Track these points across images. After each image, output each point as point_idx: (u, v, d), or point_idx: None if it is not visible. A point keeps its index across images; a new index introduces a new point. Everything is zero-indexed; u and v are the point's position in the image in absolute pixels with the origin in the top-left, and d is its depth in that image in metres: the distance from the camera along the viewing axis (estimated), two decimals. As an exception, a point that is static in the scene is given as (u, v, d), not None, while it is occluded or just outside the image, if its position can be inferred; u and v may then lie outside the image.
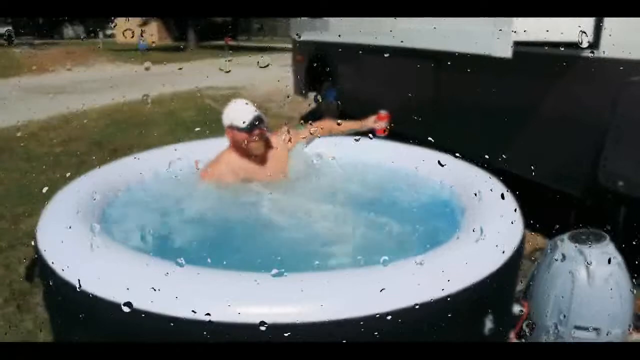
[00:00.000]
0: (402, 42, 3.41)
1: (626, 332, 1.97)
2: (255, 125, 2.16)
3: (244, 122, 2.16)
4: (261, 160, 2.30)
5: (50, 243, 1.43)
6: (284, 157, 2.39)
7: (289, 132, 2.46)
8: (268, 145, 2.31)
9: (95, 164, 2.10)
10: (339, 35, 4.63)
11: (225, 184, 2.20)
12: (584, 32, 2.42)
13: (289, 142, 2.44)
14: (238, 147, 2.24)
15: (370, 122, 2.69)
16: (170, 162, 2.24)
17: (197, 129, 5.68)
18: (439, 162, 2.10)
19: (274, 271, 1.19)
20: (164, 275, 1.23)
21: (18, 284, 2.58)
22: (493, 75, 3.02)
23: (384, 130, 2.69)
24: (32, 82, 11.23)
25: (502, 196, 1.81)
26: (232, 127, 2.19)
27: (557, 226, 2.14)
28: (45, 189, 1.75)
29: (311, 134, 2.56)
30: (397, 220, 2.04)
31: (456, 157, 2.16)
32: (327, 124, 2.65)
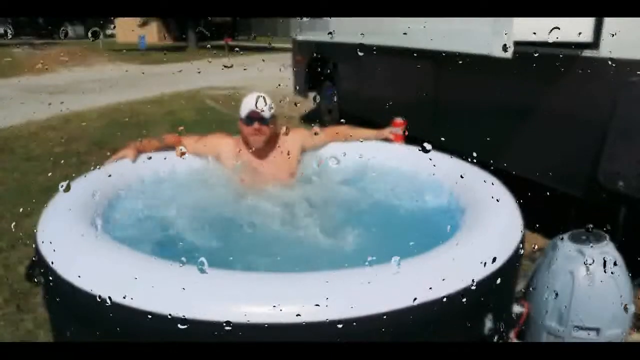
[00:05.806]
0: (402, 42, 3.41)
1: (626, 332, 1.97)
2: (251, 119, 2.20)
3: (243, 114, 2.23)
4: (263, 156, 2.31)
5: (50, 243, 1.43)
6: (294, 158, 2.38)
7: (287, 129, 2.46)
8: (271, 144, 2.31)
9: (95, 164, 2.09)
10: (336, 35, 4.63)
11: (223, 161, 2.29)
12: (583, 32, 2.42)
13: (289, 134, 2.43)
14: (243, 138, 2.30)
15: (387, 132, 2.63)
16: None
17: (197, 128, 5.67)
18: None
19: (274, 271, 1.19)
20: (164, 275, 1.24)
21: (18, 284, 2.58)
22: (493, 75, 3.02)
23: (401, 137, 2.67)
24: (32, 82, 11.22)
25: (502, 195, 1.81)
26: (240, 117, 2.26)
27: (557, 226, 2.14)
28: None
29: (316, 134, 2.55)
30: (397, 220, 2.05)
31: (457, 157, 2.16)
32: (344, 130, 2.60)
